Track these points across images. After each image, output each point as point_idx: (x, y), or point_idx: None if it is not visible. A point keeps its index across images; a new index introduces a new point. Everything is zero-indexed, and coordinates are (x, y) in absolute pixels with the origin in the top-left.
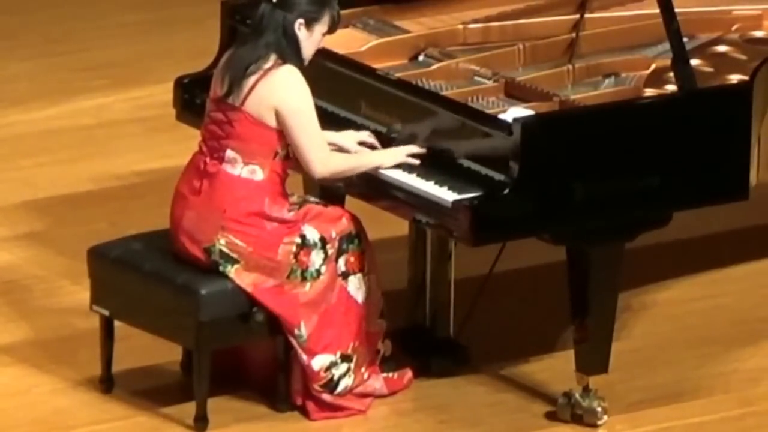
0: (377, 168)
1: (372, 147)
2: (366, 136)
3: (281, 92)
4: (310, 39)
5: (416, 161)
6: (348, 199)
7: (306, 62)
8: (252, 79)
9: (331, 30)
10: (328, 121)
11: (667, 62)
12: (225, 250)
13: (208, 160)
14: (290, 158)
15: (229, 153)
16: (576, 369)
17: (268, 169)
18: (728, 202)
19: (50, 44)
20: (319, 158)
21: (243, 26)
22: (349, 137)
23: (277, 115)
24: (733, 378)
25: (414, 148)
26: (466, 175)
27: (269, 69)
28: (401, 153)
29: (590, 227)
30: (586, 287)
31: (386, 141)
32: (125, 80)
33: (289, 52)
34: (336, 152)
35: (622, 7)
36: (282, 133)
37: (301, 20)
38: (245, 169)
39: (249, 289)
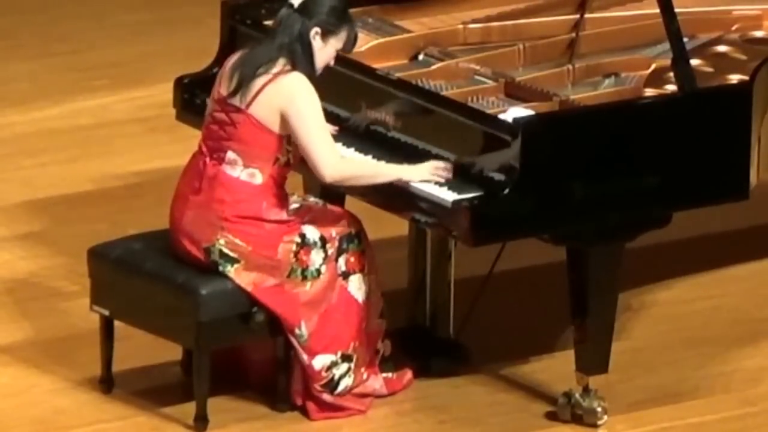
0: (400, 180)
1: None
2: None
3: (288, 97)
4: (323, 50)
5: (443, 179)
6: (348, 199)
7: (317, 72)
8: (260, 82)
9: (346, 48)
10: (328, 121)
11: (667, 62)
12: (225, 249)
13: (207, 160)
14: (290, 165)
15: (230, 155)
16: (576, 369)
17: (267, 174)
18: (728, 202)
19: (50, 44)
20: (326, 161)
21: (243, 26)
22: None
23: (284, 119)
24: (733, 378)
25: (441, 163)
26: (466, 175)
27: (278, 74)
28: (429, 168)
29: (590, 227)
30: (585, 287)
31: (386, 141)
32: (125, 80)
33: (301, 58)
34: (353, 157)
35: (622, 7)
36: (283, 138)
37: (317, 29)
38: (245, 172)
39: (249, 289)
